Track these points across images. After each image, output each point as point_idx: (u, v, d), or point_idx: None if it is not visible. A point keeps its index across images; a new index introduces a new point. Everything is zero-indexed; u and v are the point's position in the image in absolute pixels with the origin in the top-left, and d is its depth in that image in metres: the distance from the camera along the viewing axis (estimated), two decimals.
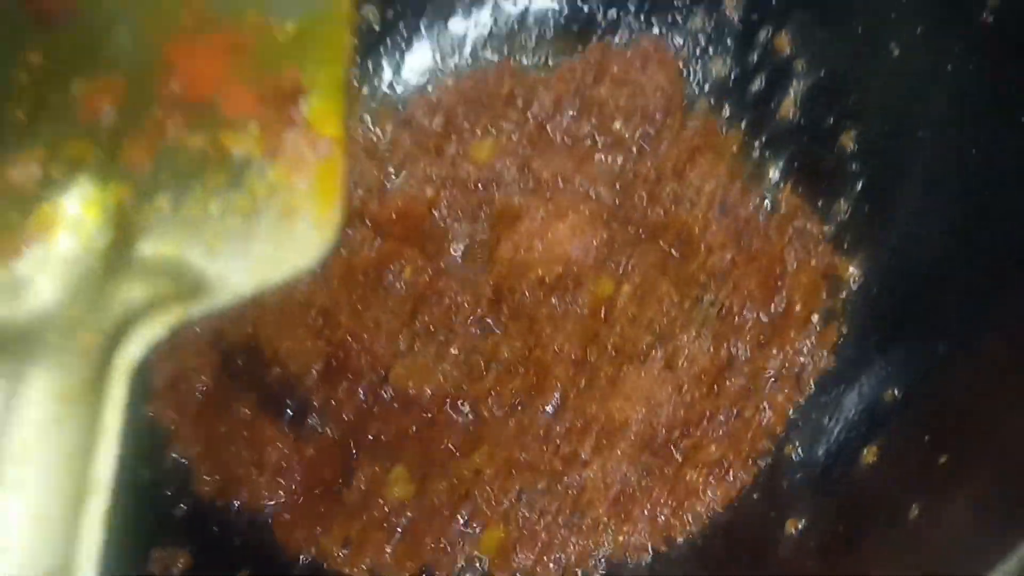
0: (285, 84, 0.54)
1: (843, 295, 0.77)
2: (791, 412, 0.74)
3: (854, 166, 0.80)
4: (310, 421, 0.77)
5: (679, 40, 0.89)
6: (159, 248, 0.51)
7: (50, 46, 0.58)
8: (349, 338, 0.78)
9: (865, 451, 0.67)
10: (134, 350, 0.49)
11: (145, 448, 0.75)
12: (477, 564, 0.72)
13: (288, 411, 0.77)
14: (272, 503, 0.74)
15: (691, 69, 0.88)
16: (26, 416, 0.47)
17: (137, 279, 0.50)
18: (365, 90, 0.92)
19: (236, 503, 0.74)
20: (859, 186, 0.79)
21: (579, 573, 0.71)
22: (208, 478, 0.75)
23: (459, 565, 0.72)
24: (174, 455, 0.76)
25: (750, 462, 0.73)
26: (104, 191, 0.53)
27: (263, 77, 0.54)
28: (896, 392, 0.69)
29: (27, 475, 0.46)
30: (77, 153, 0.53)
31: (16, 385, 0.48)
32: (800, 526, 0.67)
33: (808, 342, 0.75)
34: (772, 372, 0.75)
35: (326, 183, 0.51)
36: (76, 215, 0.52)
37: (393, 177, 0.86)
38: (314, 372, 0.77)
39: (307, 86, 0.53)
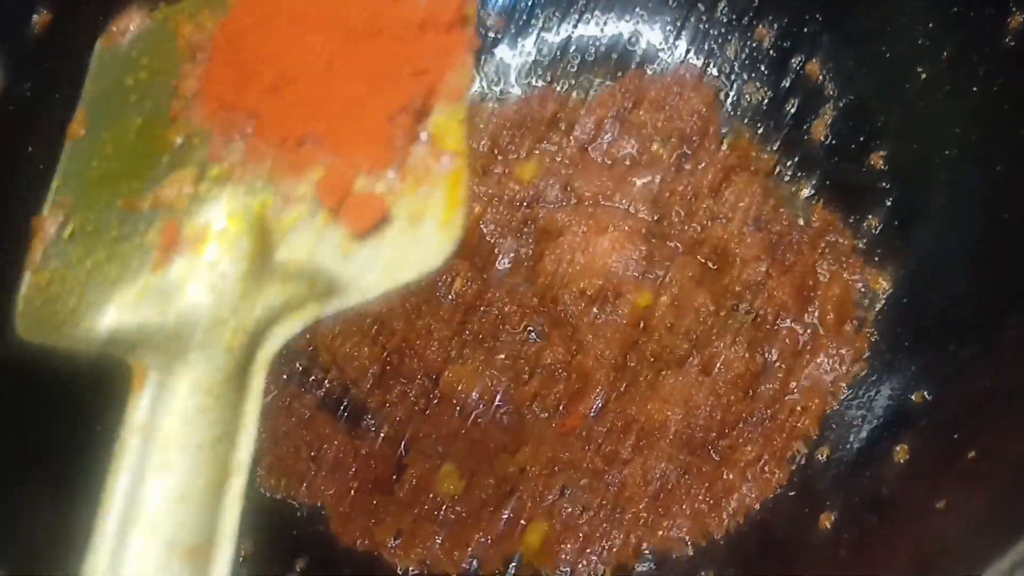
0: (413, 103, 0.56)
1: (874, 304, 0.80)
2: (824, 415, 0.76)
3: (883, 183, 0.83)
4: (365, 421, 0.81)
5: (715, 66, 0.93)
6: (295, 254, 0.53)
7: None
8: (403, 345, 0.82)
9: (897, 449, 0.70)
10: (273, 346, 0.52)
11: None
12: (522, 556, 0.75)
13: (344, 412, 0.81)
14: (328, 497, 0.78)
15: (726, 93, 0.92)
16: (174, 407, 0.50)
17: (276, 283, 0.53)
18: None
19: (295, 496, 0.79)
20: (888, 202, 0.82)
21: (619, 566, 0.74)
22: (269, 472, 0.79)
23: (505, 557, 0.75)
24: None
25: (785, 462, 0.75)
26: (247, 205, 0.56)
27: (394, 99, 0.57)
28: (926, 394, 0.72)
29: (174, 459, 0.49)
30: (222, 173, 0.57)
31: (166, 379, 0.51)
32: (832, 520, 0.69)
33: (840, 349, 0.78)
34: (806, 377, 0.78)
35: (450, 192, 0.52)
36: (222, 227, 0.55)
37: None
38: (370, 376, 0.81)
39: (432, 106, 0.55)
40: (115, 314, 0.55)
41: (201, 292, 0.54)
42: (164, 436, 0.50)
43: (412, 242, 0.52)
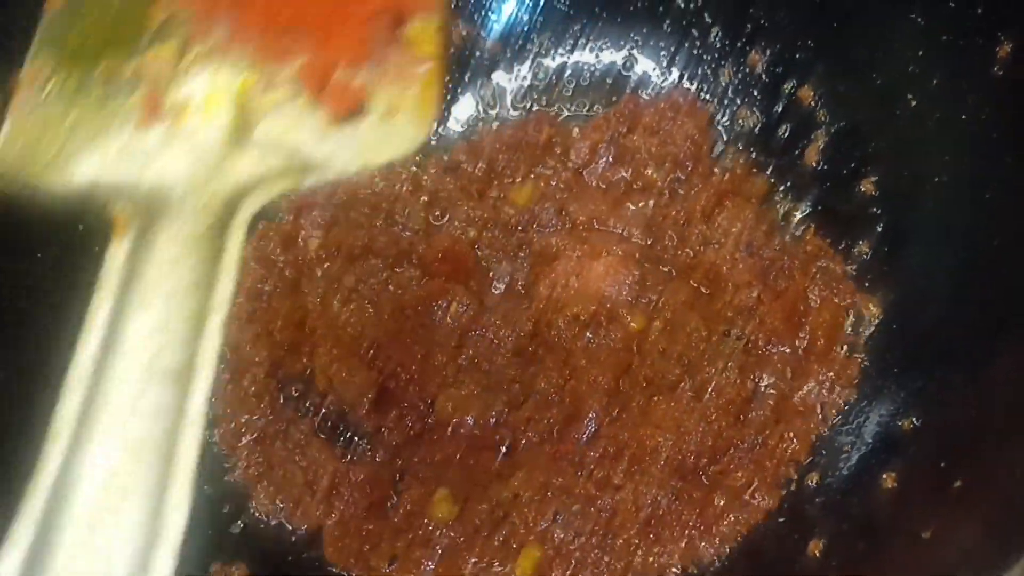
0: (390, 9, 0.60)
1: (864, 330, 0.80)
2: (814, 441, 0.77)
3: (874, 209, 0.84)
4: (360, 446, 0.81)
5: (708, 92, 0.94)
6: (274, 132, 0.58)
7: None
8: (398, 369, 0.83)
9: (884, 477, 0.70)
10: (249, 209, 0.57)
11: (207, 468, 0.80)
12: None
13: (340, 437, 0.82)
14: (324, 522, 0.79)
15: (719, 119, 0.93)
16: (156, 254, 0.55)
17: (253, 155, 0.58)
18: None
19: (290, 521, 0.79)
20: (879, 228, 0.83)
21: None
22: (264, 497, 0.80)
23: None
24: (234, 476, 0.81)
25: (775, 488, 0.75)
26: (230, 83, 0.59)
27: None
28: (915, 421, 0.72)
29: (155, 297, 0.54)
30: (205, 51, 0.60)
31: (146, 230, 0.56)
32: (821, 547, 0.70)
33: (830, 374, 0.79)
34: (796, 403, 0.78)
35: (426, 91, 0.58)
36: (203, 100, 0.59)
37: (439, 219, 0.91)
38: (365, 401, 0.82)
39: (409, 12, 0.60)
40: (94, 168, 0.59)
41: (179, 158, 0.59)
42: (143, 279, 0.55)
43: (386, 131, 0.59)
